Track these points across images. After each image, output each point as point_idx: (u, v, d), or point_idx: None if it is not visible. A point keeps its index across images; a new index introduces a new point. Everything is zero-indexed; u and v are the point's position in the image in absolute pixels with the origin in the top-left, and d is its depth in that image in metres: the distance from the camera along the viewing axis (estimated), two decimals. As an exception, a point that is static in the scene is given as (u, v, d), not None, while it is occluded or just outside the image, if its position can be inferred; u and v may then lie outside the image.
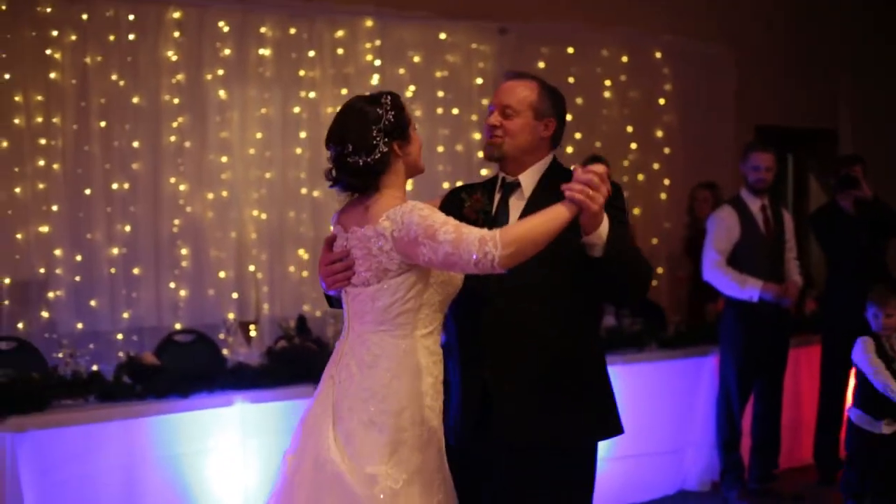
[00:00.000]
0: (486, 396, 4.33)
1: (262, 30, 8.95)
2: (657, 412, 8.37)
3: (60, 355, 6.88)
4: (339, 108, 4.28)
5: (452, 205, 4.45)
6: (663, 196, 10.99)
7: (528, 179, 4.50)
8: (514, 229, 3.96)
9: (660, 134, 11.05)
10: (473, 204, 4.49)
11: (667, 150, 11.06)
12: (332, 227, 4.36)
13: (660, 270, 10.67)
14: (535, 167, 4.53)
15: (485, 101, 9.98)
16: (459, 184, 9.77)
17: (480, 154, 9.97)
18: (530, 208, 4.35)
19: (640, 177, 10.88)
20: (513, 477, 4.37)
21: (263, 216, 8.99)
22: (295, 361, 6.85)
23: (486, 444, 4.36)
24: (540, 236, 3.96)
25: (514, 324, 4.32)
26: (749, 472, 8.51)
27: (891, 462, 7.21)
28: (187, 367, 6.72)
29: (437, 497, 4.18)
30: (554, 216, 3.98)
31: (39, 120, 8.19)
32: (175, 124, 8.62)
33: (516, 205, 4.47)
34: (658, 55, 11.08)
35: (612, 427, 4.49)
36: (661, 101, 11.05)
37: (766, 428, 8.50)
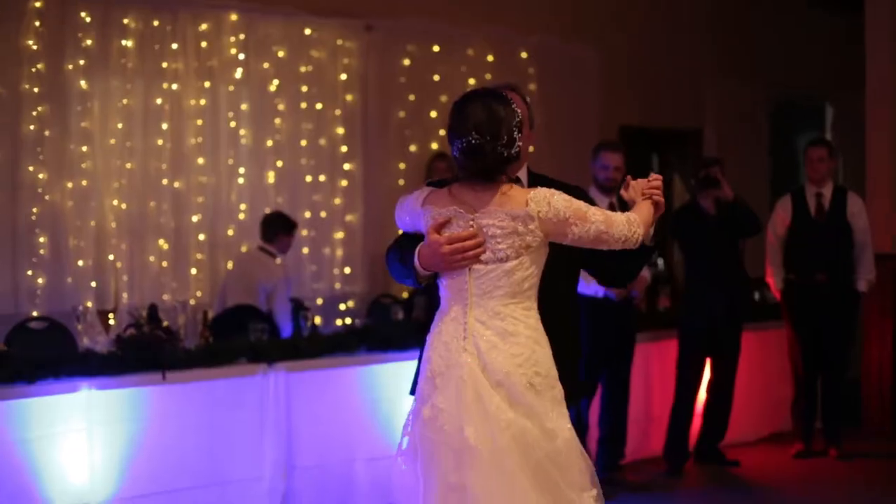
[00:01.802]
0: None
1: (125, 21, 9.02)
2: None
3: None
4: (473, 101, 4.37)
5: None
6: (526, 194, 11.14)
7: (523, 177, 4.95)
8: (641, 215, 4.53)
9: (525, 133, 11.20)
10: None
11: (531, 149, 11.16)
12: (425, 209, 4.49)
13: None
14: (524, 167, 4.99)
15: (349, 97, 10.12)
16: (322, 178, 9.99)
17: (344, 148, 10.16)
18: None
19: (502, 175, 11.04)
20: None
21: (123, 206, 9.05)
22: (143, 349, 6.89)
23: None
24: (651, 224, 4.59)
25: None
26: (595, 461, 8.70)
27: None
28: (35, 354, 6.73)
29: None
30: (650, 209, 4.61)
31: None
32: (35, 113, 8.65)
33: None
34: (524, 55, 11.27)
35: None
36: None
37: (613, 419, 8.70)
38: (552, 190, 4.40)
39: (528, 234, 4.36)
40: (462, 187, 4.47)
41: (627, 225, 4.44)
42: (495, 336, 4.37)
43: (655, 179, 4.68)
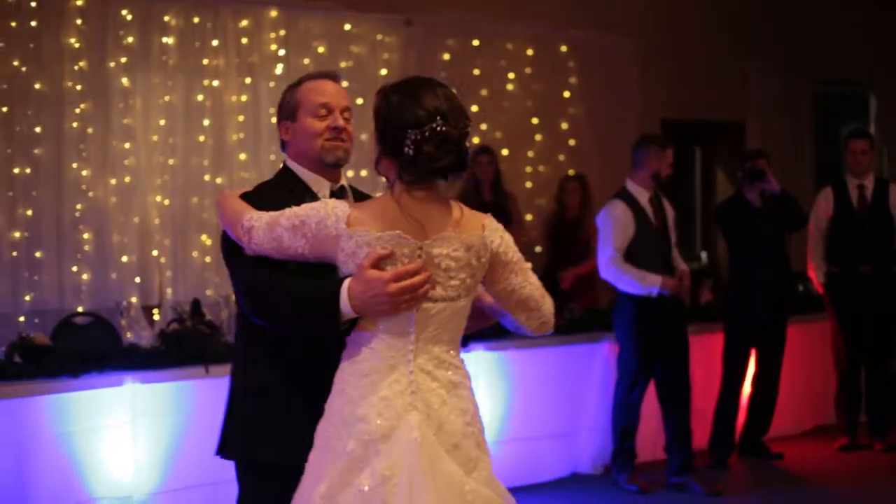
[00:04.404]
0: None
1: (166, 18, 9.06)
2: (550, 396, 8.53)
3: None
4: (424, 86, 3.67)
5: (272, 206, 3.82)
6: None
7: (346, 184, 4.19)
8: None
9: (565, 126, 11.22)
10: None
11: (572, 142, 11.24)
12: (354, 233, 3.61)
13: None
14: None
15: (390, 93, 10.12)
16: (364, 173, 10.00)
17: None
18: None
19: (542, 168, 11.06)
20: None
21: (166, 202, 9.10)
22: (186, 343, 6.95)
23: None
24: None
25: None
26: (667, 466, 8.56)
27: None
28: (80, 348, 6.80)
29: None
30: None
31: (-59, 105, 8.29)
32: (77, 110, 8.72)
33: None
34: (563, 49, 11.25)
35: None
36: (566, 94, 11.22)
37: (679, 418, 8.54)
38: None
39: (479, 270, 3.67)
40: (409, 199, 3.63)
41: (551, 313, 3.82)
42: (443, 389, 3.63)
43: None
